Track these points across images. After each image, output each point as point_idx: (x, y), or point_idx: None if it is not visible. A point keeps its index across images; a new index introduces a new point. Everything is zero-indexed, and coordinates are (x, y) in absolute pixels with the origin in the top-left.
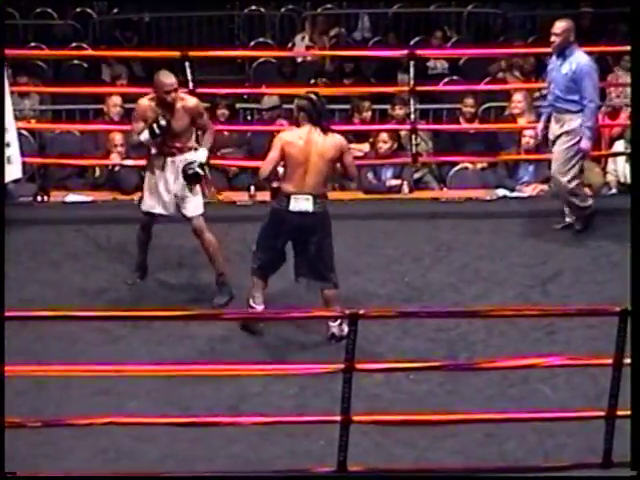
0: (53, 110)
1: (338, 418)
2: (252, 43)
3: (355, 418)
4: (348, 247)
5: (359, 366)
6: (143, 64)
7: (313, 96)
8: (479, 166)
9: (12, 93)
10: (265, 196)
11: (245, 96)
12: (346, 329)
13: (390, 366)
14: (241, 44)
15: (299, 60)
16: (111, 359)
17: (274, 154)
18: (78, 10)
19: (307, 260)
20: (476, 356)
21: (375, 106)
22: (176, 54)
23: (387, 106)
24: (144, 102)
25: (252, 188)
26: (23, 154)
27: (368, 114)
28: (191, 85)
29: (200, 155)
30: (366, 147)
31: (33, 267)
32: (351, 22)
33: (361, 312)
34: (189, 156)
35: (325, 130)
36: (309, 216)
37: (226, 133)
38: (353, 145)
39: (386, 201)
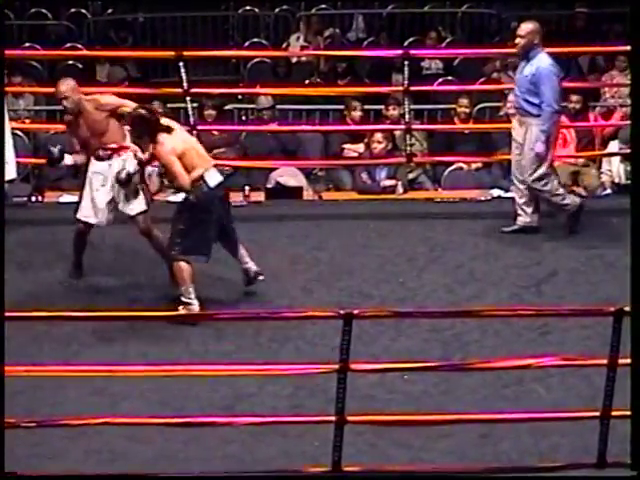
0: (47, 110)
1: (333, 418)
2: (247, 43)
3: (350, 418)
4: (342, 247)
5: (354, 366)
6: (138, 64)
7: (141, 111)
8: (474, 166)
9: (6, 93)
10: (260, 196)
11: (239, 96)
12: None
13: (385, 366)
14: (235, 44)
15: (293, 60)
16: (105, 360)
17: (174, 161)
18: (72, 10)
19: (230, 226)
20: (470, 356)
21: (369, 106)
22: (170, 54)
23: (381, 106)
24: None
25: (246, 188)
26: (17, 155)
27: (358, 114)
28: (185, 85)
29: (129, 164)
30: (361, 147)
31: (27, 267)
32: (345, 22)
33: (355, 312)
34: (125, 157)
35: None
36: (222, 184)
37: (216, 133)
38: (347, 145)
39: (380, 201)
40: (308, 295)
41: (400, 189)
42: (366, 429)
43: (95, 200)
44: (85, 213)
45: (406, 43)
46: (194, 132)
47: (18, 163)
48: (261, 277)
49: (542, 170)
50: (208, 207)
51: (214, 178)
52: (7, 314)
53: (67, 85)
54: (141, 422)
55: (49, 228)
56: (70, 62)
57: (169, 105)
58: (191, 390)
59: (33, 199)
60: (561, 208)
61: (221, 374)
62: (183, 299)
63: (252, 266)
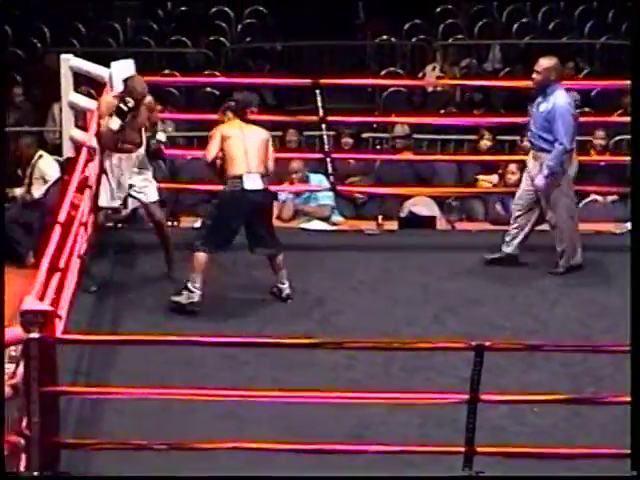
0: (185, 136)
1: (462, 449)
2: (383, 72)
3: (479, 449)
4: (474, 278)
5: (484, 397)
6: (274, 92)
7: (245, 97)
8: (609, 199)
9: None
10: (393, 225)
11: (374, 125)
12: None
13: (515, 398)
14: (372, 73)
15: (429, 90)
16: (235, 384)
17: (215, 141)
18: (211, 38)
19: (262, 233)
20: (602, 391)
21: (504, 137)
22: (307, 82)
23: (517, 137)
24: (109, 98)
25: (379, 217)
26: (155, 179)
27: (487, 143)
28: (321, 113)
29: (160, 136)
30: (495, 178)
31: (162, 292)
32: (482, 53)
33: (487, 344)
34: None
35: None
36: (260, 193)
37: (352, 161)
38: (481, 176)
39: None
40: (439, 324)
41: None
42: (495, 461)
43: (116, 188)
44: (105, 201)
45: None
46: (328, 159)
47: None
48: (290, 300)
49: (561, 204)
50: (235, 206)
51: (252, 182)
52: (139, 337)
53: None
54: (269, 447)
55: (184, 253)
56: (208, 89)
57: (305, 133)
58: (319, 417)
59: (169, 223)
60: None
61: (350, 401)
62: (189, 285)
63: (286, 288)
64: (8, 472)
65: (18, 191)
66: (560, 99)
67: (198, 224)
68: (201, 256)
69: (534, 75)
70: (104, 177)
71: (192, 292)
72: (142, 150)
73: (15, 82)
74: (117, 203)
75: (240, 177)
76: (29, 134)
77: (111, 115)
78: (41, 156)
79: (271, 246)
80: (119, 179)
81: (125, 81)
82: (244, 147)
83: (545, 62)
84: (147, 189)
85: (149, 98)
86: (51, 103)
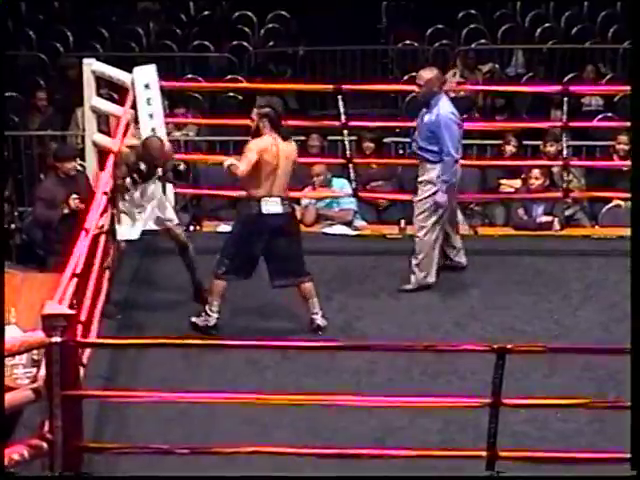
0: (207, 141)
1: (484, 453)
2: (405, 77)
3: (501, 454)
4: (496, 283)
5: (506, 401)
6: (297, 97)
7: (275, 103)
8: None
9: (167, 124)
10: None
11: (397, 130)
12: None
13: (537, 402)
14: (394, 78)
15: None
16: (257, 389)
17: (252, 157)
18: (234, 43)
19: (281, 262)
20: (625, 395)
21: (527, 142)
22: (329, 87)
23: (539, 142)
24: (126, 150)
25: (402, 221)
26: (177, 185)
27: (511, 149)
28: (343, 118)
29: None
30: (517, 183)
31: (182, 296)
32: (505, 57)
33: (509, 346)
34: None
35: (283, 136)
36: (280, 217)
37: (374, 166)
38: (504, 181)
39: (536, 237)
40: (461, 330)
41: (557, 226)
42: (517, 465)
43: (136, 218)
44: (124, 233)
45: (565, 79)
46: (350, 165)
47: (176, 193)
48: (320, 333)
49: (432, 220)
50: (253, 230)
51: (271, 206)
52: (162, 341)
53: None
54: (291, 452)
55: (207, 257)
56: (231, 94)
57: (327, 138)
58: (341, 422)
59: (191, 228)
60: (412, 271)
61: (372, 406)
62: (207, 309)
63: (318, 318)
64: (7, 472)
65: None
66: (443, 109)
67: (221, 228)
68: (221, 284)
69: (416, 88)
70: (121, 211)
71: (209, 316)
72: (154, 181)
73: (38, 86)
74: (136, 235)
75: (259, 200)
76: (55, 139)
77: (127, 165)
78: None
79: (291, 275)
80: (135, 212)
81: (143, 142)
82: (273, 169)
83: (426, 74)
84: (167, 213)
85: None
86: (74, 107)
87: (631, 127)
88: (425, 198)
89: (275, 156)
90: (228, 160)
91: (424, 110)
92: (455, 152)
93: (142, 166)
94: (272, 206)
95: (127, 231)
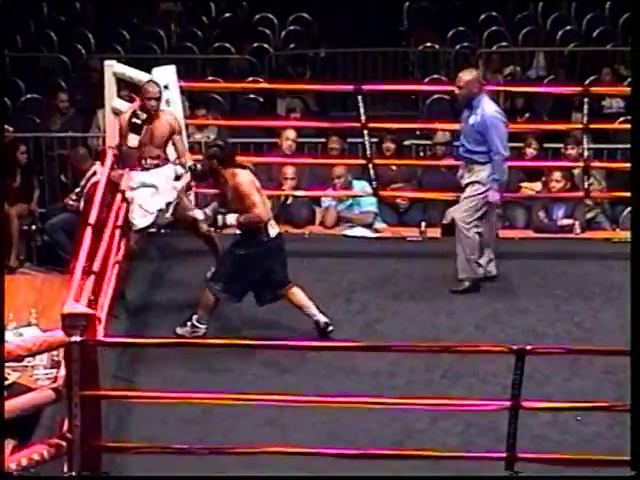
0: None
1: (503, 455)
2: (426, 79)
3: (521, 456)
4: (517, 285)
5: (525, 404)
6: (317, 98)
7: (220, 143)
8: None
9: (188, 126)
10: (436, 232)
11: (417, 132)
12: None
13: (557, 405)
14: (415, 80)
15: None
16: (278, 391)
17: (254, 193)
18: (255, 45)
19: (273, 277)
20: None
21: (548, 144)
22: (350, 88)
23: (560, 145)
24: (126, 116)
25: (422, 224)
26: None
27: (531, 151)
28: (363, 119)
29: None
30: (538, 186)
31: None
32: (526, 60)
33: (528, 348)
34: (172, 165)
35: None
36: (279, 237)
37: (394, 168)
38: (525, 184)
39: (557, 240)
40: (481, 332)
41: (578, 228)
42: (537, 468)
43: (144, 207)
44: (138, 221)
45: (587, 82)
46: (370, 166)
47: (196, 194)
48: (331, 327)
49: (475, 217)
50: (263, 256)
51: (273, 230)
52: (182, 341)
53: (157, 87)
54: (312, 452)
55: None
56: (251, 95)
57: (348, 139)
58: (362, 424)
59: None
60: (468, 264)
61: (392, 408)
62: (195, 321)
63: (321, 317)
64: (7, 472)
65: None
66: (488, 109)
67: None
68: (212, 299)
69: (456, 90)
70: (131, 198)
71: (197, 327)
72: (172, 166)
73: (60, 88)
74: (149, 220)
75: (266, 225)
76: (77, 143)
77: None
78: (95, 173)
79: (275, 287)
80: (147, 196)
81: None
82: (261, 193)
83: (465, 76)
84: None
85: (172, 117)
86: (95, 109)
87: (631, 127)
88: (472, 196)
89: (255, 183)
90: (230, 218)
91: (466, 112)
92: (504, 150)
93: (140, 113)
94: (274, 228)
95: (139, 220)
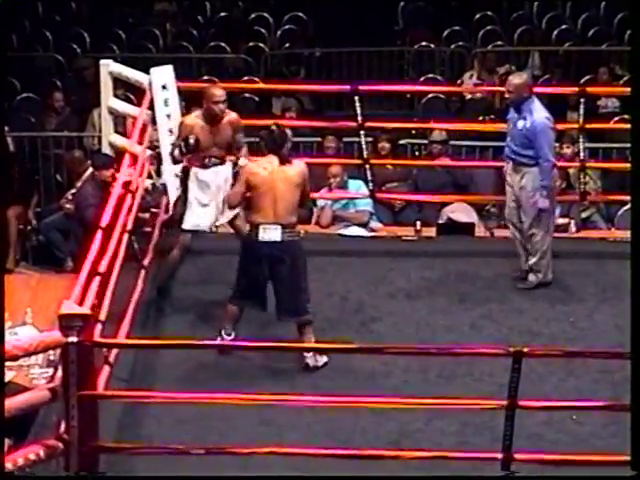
0: None
1: (499, 456)
2: (422, 79)
3: (517, 456)
4: (512, 285)
5: (522, 403)
6: (312, 98)
7: (273, 127)
8: None
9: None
10: (431, 232)
11: (413, 131)
12: (321, 360)
13: (553, 404)
14: (410, 80)
15: (468, 97)
16: (274, 391)
17: (240, 186)
18: (251, 44)
19: (280, 293)
20: None
21: None
22: (345, 88)
23: (556, 144)
24: (189, 120)
25: (418, 223)
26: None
27: None
28: (359, 119)
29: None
30: None
31: (203, 296)
32: (522, 59)
33: (525, 350)
34: (228, 165)
35: (283, 160)
36: (278, 245)
37: (390, 167)
38: None
39: (552, 240)
40: (477, 332)
41: (573, 228)
42: (533, 468)
43: (202, 208)
44: (194, 221)
45: (582, 81)
46: (366, 166)
47: None
48: (316, 369)
49: (542, 224)
50: (250, 257)
51: (268, 234)
52: (179, 342)
53: (222, 91)
54: (307, 453)
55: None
56: (247, 95)
57: (343, 139)
58: (357, 424)
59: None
60: (533, 270)
61: (388, 408)
62: (221, 332)
63: (309, 357)
64: (7, 472)
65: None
66: (538, 115)
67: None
68: (232, 308)
69: (506, 94)
70: (189, 197)
71: (223, 338)
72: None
73: (55, 87)
74: (206, 223)
75: (257, 226)
76: (72, 143)
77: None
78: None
79: (291, 312)
80: (205, 198)
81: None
82: (267, 193)
83: (515, 79)
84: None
85: (234, 116)
86: (91, 108)
87: (631, 127)
88: (531, 206)
89: (266, 180)
90: (242, 160)
91: (515, 116)
92: (552, 157)
93: (191, 140)
94: (270, 233)
95: (194, 220)
